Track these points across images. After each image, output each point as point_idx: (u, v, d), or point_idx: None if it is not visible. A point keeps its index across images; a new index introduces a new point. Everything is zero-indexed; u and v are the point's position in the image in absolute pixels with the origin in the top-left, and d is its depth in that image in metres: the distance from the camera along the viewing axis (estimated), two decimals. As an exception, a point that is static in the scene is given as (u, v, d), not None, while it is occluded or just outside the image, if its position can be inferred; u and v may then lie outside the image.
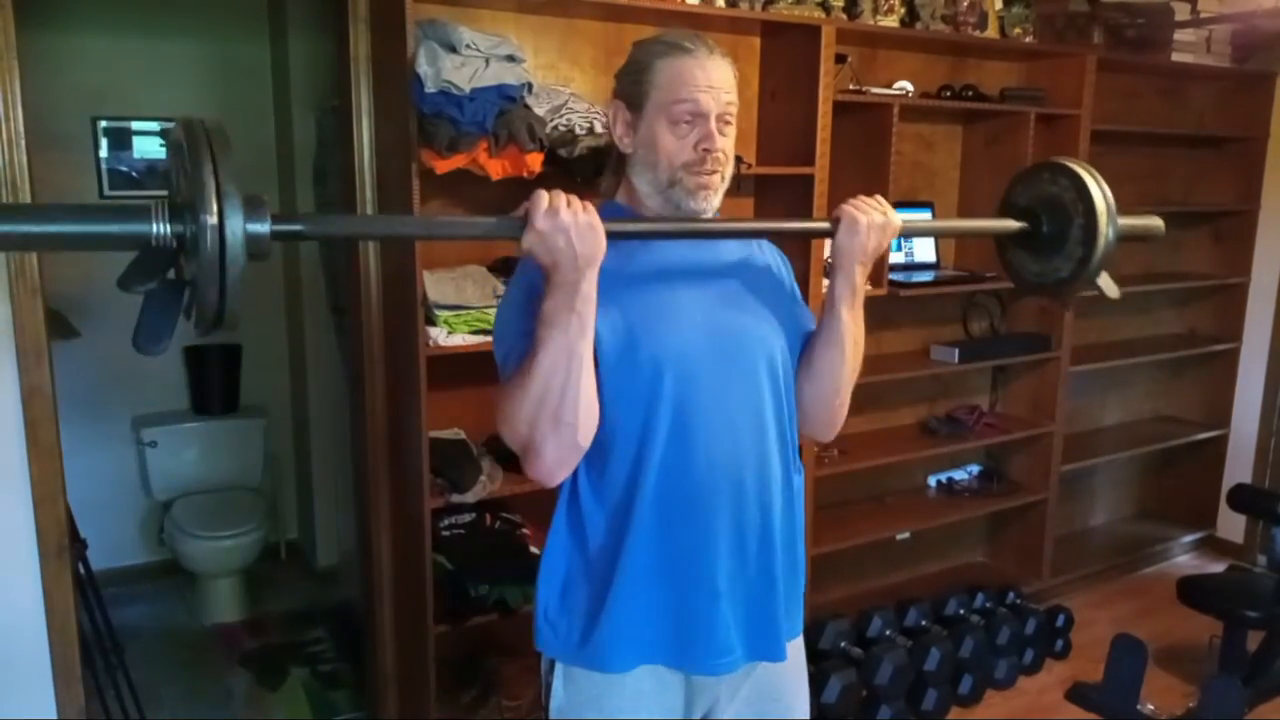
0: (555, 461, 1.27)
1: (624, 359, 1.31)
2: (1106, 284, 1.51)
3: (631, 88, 1.37)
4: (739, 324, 1.38)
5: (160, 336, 1.00)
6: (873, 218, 1.36)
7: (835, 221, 1.37)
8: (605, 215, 1.38)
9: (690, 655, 1.37)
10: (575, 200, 1.17)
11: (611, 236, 1.19)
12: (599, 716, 1.38)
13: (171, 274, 1.03)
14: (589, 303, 1.19)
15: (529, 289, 1.28)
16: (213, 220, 0.95)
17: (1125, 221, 1.49)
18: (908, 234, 1.43)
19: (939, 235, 1.37)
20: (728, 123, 1.35)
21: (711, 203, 1.36)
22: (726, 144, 1.36)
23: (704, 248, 1.42)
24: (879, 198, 1.40)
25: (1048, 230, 1.51)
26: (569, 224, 1.14)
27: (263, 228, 1.01)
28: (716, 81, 1.33)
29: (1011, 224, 1.53)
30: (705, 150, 1.33)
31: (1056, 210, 1.50)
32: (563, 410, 1.22)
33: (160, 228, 0.98)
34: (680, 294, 1.35)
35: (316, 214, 1.10)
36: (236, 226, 0.96)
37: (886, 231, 1.38)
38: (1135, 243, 1.50)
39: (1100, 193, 1.46)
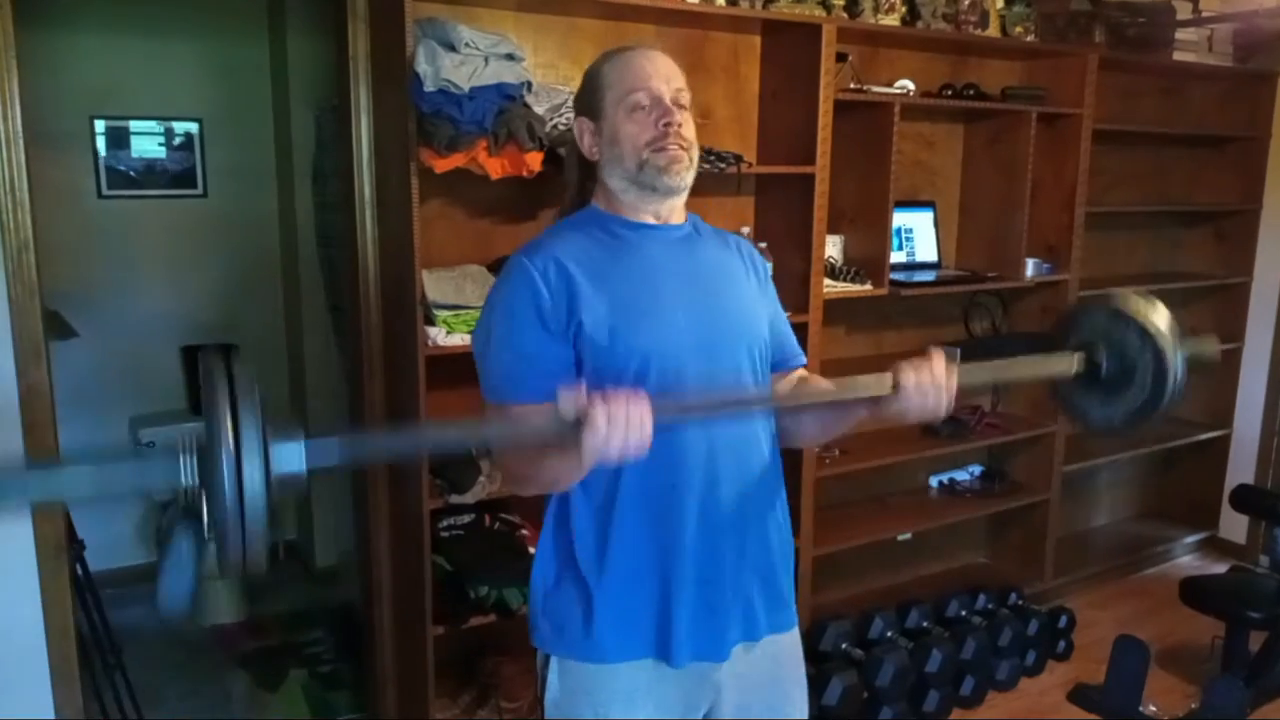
0: (535, 494, 1.38)
1: (608, 353, 1.32)
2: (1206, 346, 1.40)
3: (588, 100, 1.43)
4: (720, 319, 1.40)
5: (185, 592, 0.96)
6: (925, 406, 1.28)
7: (895, 387, 1.28)
8: (581, 220, 1.44)
9: (678, 646, 1.37)
10: (629, 401, 1.11)
11: (660, 428, 1.12)
12: (593, 707, 1.39)
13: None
14: None
15: (516, 304, 1.33)
16: (229, 470, 0.87)
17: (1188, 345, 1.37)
18: (962, 384, 1.31)
19: (994, 383, 1.27)
20: (683, 107, 1.39)
21: (684, 178, 1.38)
22: (687, 127, 1.38)
23: (683, 249, 1.43)
24: (949, 367, 1.29)
25: (1109, 364, 1.39)
26: (624, 424, 1.09)
27: (297, 467, 0.91)
28: (664, 70, 1.39)
29: (1069, 362, 1.41)
30: (665, 124, 1.36)
31: (1114, 343, 1.39)
32: (557, 489, 1.37)
33: (188, 476, 0.90)
34: (663, 291, 1.37)
35: (355, 436, 0.99)
36: (256, 473, 0.88)
37: (934, 417, 1.31)
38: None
39: (1157, 315, 1.35)
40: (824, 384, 1.51)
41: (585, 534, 1.37)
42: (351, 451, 1.01)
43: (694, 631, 1.38)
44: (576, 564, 1.38)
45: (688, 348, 1.35)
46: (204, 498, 0.91)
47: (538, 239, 1.42)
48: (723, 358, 1.38)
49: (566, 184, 1.51)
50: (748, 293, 1.47)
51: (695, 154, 1.40)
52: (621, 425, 1.09)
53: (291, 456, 0.92)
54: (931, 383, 1.27)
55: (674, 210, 1.44)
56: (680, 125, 1.37)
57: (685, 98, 1.40)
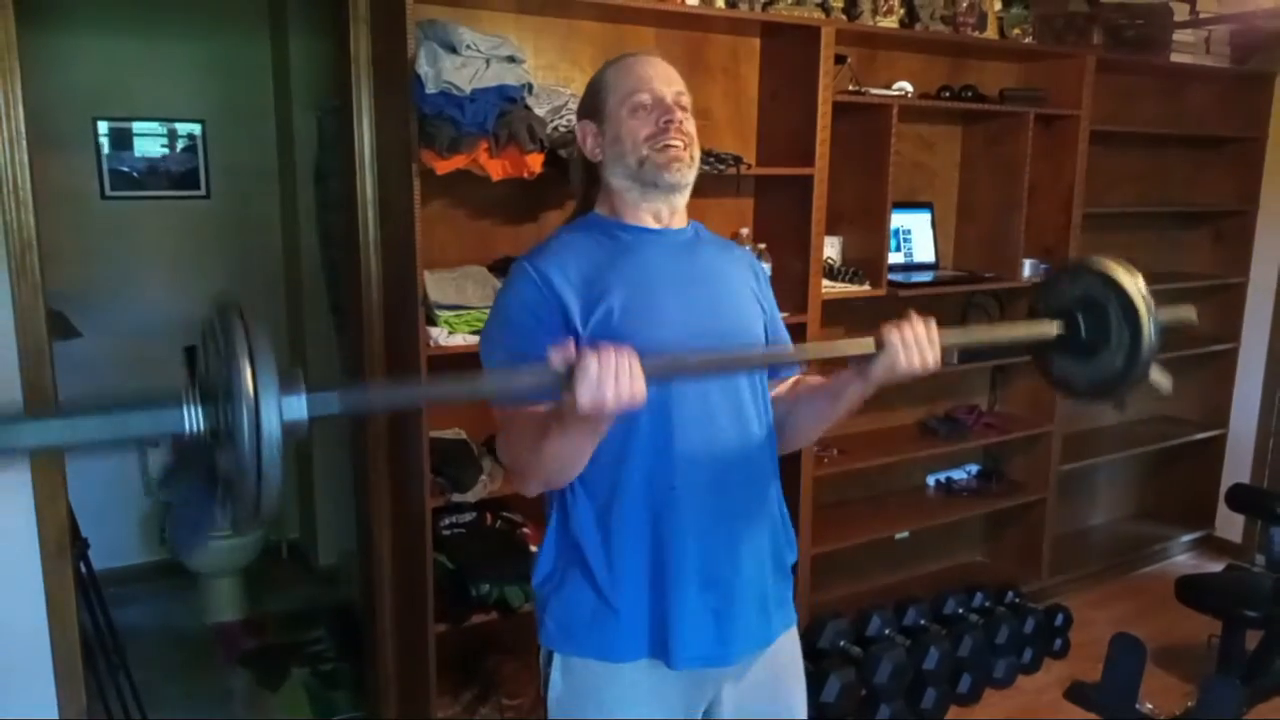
0: (540, 491, 1.39)
1: None
2: (1158, 376, 1.42)
3: (591, 103, 1.46)
4: (717, 322, 1.42)
5: (199, 532, 0.96)
6: (912, 360, 1.29)
7: (879, 345, 1.30)
8: (583, 226, 1.46)
9: (677, 649, 1.38)
10: (618, 352, 1.11)
11: (652, 381, 1.13)
12: (595, 706, 1.40)
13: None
14: (609, 423, 1.20)
15: (517, 308, 1.36)
16: (249, 417, 0.88)
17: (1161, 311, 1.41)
18: (946, 345, 1.32)
19: (974, 345, 1.28)
20: (684, 108, 1.42)
21: (684, 175, 1.41)
22: (688, 125, 1.42)
23: (683, 253, 1.45)
24: (928, 323, 1.31)
25: (1086, 327, 1.42)
26: (614, 369, 1.10)
27: (300, 415, 0.94)
28: (665, 73, 1.43)
29: (1049, 326, 1.45)
30: (666, 121, 1.39)
31: (1090, 306, 1.42)
32: (561, 476, 1.33)
33: (193, 422, 0.92)
34: (662, 294, 1.39)
35: (352, 389, 1.05)
36: (273, 420, 0.89)
37: (924, 369, 1.32)
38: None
39: (1131, 279, 1.39)
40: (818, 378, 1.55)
41: (588, 533, 1.39)
42: (349, 403, 1.05)
43: (697, 636, 1.39)
44: (579, 563, 1.39)
45: (686, 350, 1.35)
46: (214, 445, 0.93)
47: (541, 244, 1.45)
48: None
49: (574, 192, 1.53)
50: (746, 299, 1.49)
51: (696, 152, 1.43)
52: (612, 370, 1.09)
53: (294, 406, 0.93)
54: (915, 336, 1.29)
55: (675, 212, 1.46)
56: (681, 122, 1.41)
57: (686, 100, 1.44)
